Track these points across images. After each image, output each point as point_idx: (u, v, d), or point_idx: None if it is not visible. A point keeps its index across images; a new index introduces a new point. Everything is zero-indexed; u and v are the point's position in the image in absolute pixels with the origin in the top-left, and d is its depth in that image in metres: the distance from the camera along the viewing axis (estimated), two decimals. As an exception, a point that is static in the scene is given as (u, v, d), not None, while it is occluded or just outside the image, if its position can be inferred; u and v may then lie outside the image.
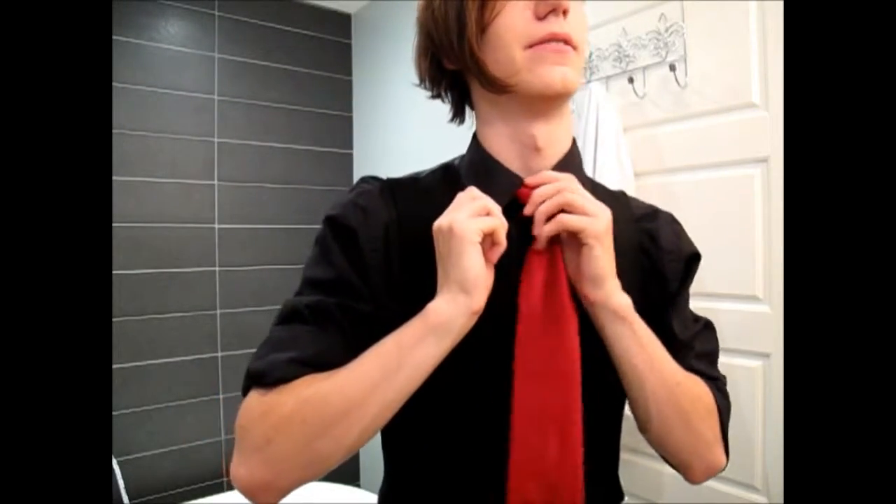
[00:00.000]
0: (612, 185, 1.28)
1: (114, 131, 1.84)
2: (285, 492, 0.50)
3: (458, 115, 0.65)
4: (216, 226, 2.05)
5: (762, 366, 1.10)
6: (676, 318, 0.62)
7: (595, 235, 0.52)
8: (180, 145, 1.98)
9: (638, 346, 0.54)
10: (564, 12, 0.53)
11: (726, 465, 0.60)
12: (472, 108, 0.63)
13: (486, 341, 0.54)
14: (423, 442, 0.58)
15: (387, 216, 0.58)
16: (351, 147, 2.38)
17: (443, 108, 0.65)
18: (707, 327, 0.65)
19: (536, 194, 0.54)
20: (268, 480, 0.48)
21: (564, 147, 0.60)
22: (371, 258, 0.56)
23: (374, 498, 1.78)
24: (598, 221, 0.52)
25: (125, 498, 1.69)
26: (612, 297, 0.53)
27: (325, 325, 0.53)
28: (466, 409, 0.56)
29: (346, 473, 2.27)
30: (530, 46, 0.53)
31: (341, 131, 2.36)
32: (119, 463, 1.73)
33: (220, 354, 2.03)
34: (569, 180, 0.55)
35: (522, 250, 0.55)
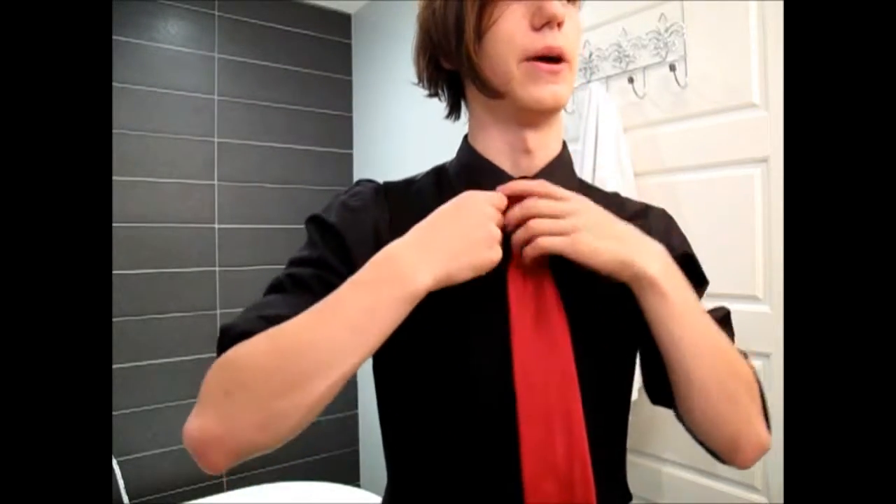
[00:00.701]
0: (612, 185, 1.28)
1: (114, 131, 1.84)
2: (235, 454, 0.46)
3: (453, 112, 0.66)
4: (216, 226, 2.04)
5: (762, 366, 1.10)
6: None
7: (573, 249, 0.51)
8: (180, 145, 1.97)
9: (677, 315, 0.52)
10: (560, 24, 0.53)
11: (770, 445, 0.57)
12: (468, 107, 0.64)
13: (482, 341, 0.55)
14: (428, 445, 0.58)
15: (377, 216, 0.58)
16: (351, 147, 2.38)
17: (442, 109, 0.66)
18: (726, 316, 0.64)
19: (508, 216, 0.54)
20: (219, 435, 0.45)
21: (555, 150, 0.61)
22: (359, 256, 0.55)
23: (375, 498, 1.79)
24: (575, 223, 0.52)
25: (125, 498, 1.69)
26: (637, 271, 0.52)
27: (300, 292, 0.53)
28: (471, 413, 0.56)
29: (346, 473, 2.27)
30: (526, 59, 0.53)
31: (341, 131, 2.36)
32: (119, 463, 1.73)
33: (220, 354, 2.03)
34: (538, 185, 0.55)
35: (510, 246, 0.55)
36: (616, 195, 0.68)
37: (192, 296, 1.99)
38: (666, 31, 1.25)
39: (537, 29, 0.53)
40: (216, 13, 2.06)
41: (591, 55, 1.40)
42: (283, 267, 0.58)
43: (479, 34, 0.55)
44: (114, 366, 1.81)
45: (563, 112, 0.63)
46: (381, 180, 0.64)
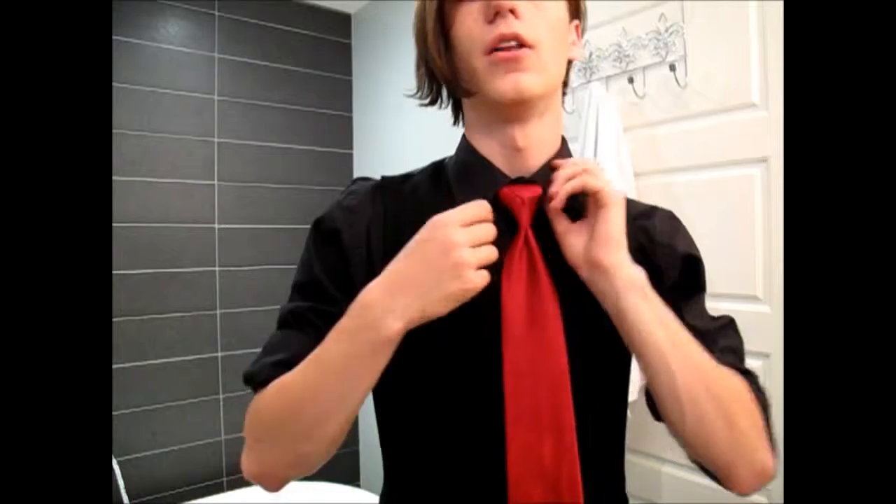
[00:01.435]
0: (612, 185, 1.28)
1: (114, 131, 1.84)
2: (280, 483, 0.56)
3: (457, 117, 0.66)
4: (216, 226, 2.04)
5: (762, 366, 1.10)
6: (688, 311, 0.59)
7: (612, 197, 0.53)
8: (180, 145, 1.97)
9: (657, 320, 0.51)
10: (512, 11, 0.52)
11: (776, 473, 0.53)
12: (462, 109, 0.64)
13: (473, 342, 0.54)
14: (420, 445, 0.58)
15: (371, 214, 0.59)
16: (351, 147, 2.38)
17: (442, 109, 0.66)
18: (730, 323, 0.62)
19: (562, 171, 0.55)
20: (261, 473, 0.55)
21: (551, 147, 0.60)
22: (354, 256, 0.57)
23: (375, 498, 1.79)
24: (614, 189, 0.53)
25: (125, 498, 1.69)
26: (626, 263, 0.53)
27: (304, 328, 0.56)
28: (459, 412, 0.56)
29: (346, 473, 2.27)
30: (487, 53, 0.53)
31: (341, 131, 2.36)
32: (119, 463, 1.73)
33: (220, 354, 2.03)
34: (589, 163, 0.56)
35: (502, 247, 0.55)
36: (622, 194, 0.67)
37: (192, 296, 1.99)
38: (666, 31, 1.25)
39: (491, 21, 0.53)
40: (216, 13, 2.06)
41: (591, 55, 1.40)
42: (283, 267, 0.60)
43: (444, 36, 0.56)
44: (114, 366, 1.81)
45: (561, 108, 0.63)
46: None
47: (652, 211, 0.65)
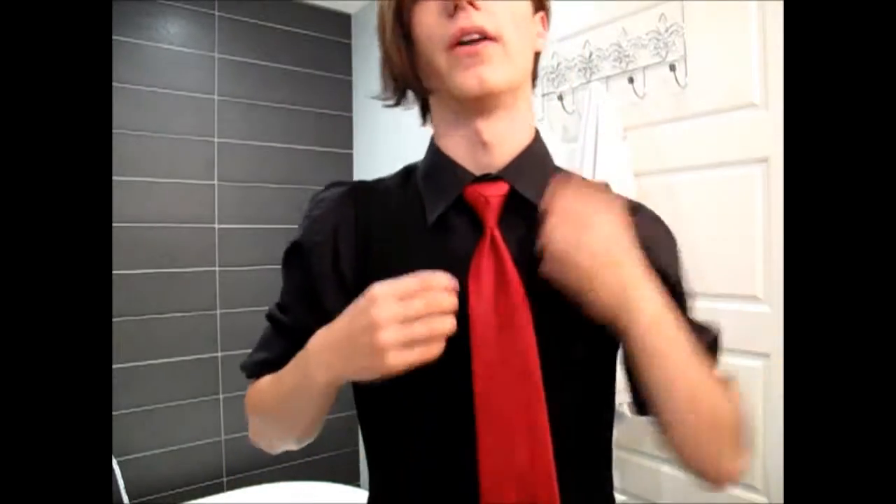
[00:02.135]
0: (612, 185, 1.28)
1: (114, 131, 1.84)
2: (273, 448, 0.66)
3: (425, 118, 0.65)
4: (216, 226, 2.04)
5: (762, 366, 1.10)
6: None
7: (563, 254, 0.50)
8: (180, 145, 1.97)
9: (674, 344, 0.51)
10: (472, 3, 0.51)
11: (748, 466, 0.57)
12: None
13: (445, 347, 0.54)
14: (396, 449, 0.59)
15: (339, 219, 0.60)
16: (351, 147, 2.38)
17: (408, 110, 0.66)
18: (712, 343, 0.60)
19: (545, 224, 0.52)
20: (256, 440, 0.65)
21: (520, 141, 0.59)
22: (318, 266, 0.59)
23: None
24: (566, 243, 0.50)
25: (125, 498, 1.69)
26: (630, 316, 0.50)
27: (280, 331, 0.62)
28: (432, 416, 0.56)
29: (346, 473, 2.27)
30: (451, 48, 0.52)
31: (341, 131, 2.36)
32: (119, 463, 1.73)
33: (220, 354, 2.03)
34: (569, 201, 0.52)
35: (470, 248, 0.55)
36: (605, 187, 0.64)
37: (192, 296, 1.99)
38: (666, 31, 1.25)
39: (452, 15, 0.52)
40: (216, 13, 2.06)
41: (591, 55, 1.40)
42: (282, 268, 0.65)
43: (406, 37, 0.55)
44: (114, 366, 1.81)
45: (531, 101, 0.61)
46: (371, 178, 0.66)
47: (636, 209, 0.62)
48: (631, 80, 1.31)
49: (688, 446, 0.55)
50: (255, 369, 0.63)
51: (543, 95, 1.53)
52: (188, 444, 1.96)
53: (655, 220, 0.63)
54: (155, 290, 1.91)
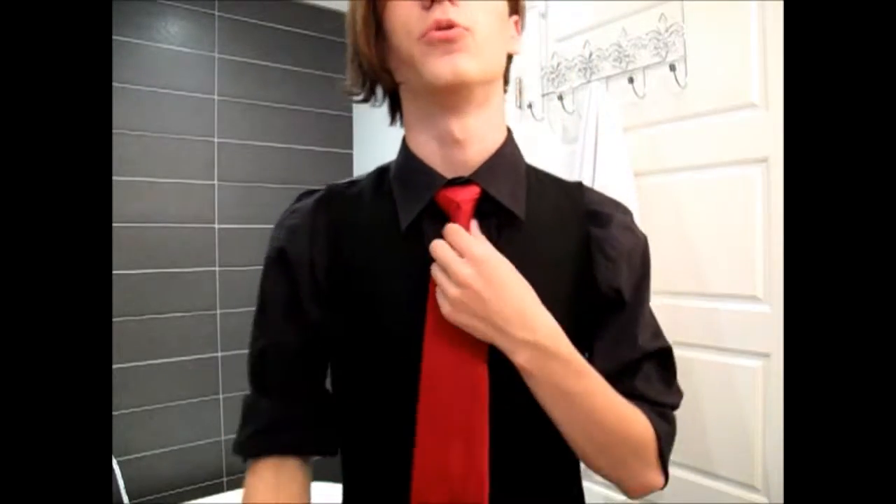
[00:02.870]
0: (612, 185, 1.28)
1: (114, 131, 1.84)
2: None
3: (394, 117, 0.65)
4: (216, 226, 2.04)
5: (762, 366, 1.10)
6: (622, 334, 0.59)
7: (453, 318, 0.52)
8: (180, 145, 1.97)
9: (547, 396, 0.53)
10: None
11: (665, 483, 0.58)
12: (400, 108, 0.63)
13: (397, 350, 0.55)
14: (355, 447, 0.62)
15: (312, 229, 0.60)
16: (351, 147, 2.38)
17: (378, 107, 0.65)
18: (666, 353, 0.61)
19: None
20: None
21: (494, 141, 0.58)
22: (300, 274, 0.59)
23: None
24: (460, 295, 0.51)
25: (125, 498, 1.69)
26: (508, 353, 0.52)
27: (265, 389, 0.62)
28: (378, 418, 0.58)
29: (346, 473, 2.27)
30: (423, 37, 0.52)
31: (341, 131, 2.36)
32: (119, 463, 1.73)
33: (220, 354, 2.03)
34: (450, 239, 0.53)
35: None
36: (578, 186, 0.64)
37: (192, 296, 1.99)
38: (666, 31, 1.25)
39: (427, 9, 0.52)
40: (216, 13, 2.06)
41: (591, 55, 1.40)
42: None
43: (377, 26, 0.55)
44: (114, 366, 1.81)
45: (503, 102, 0.61)
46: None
47: (609, 218, 0.61)
48: (631, 80, 1.31)
49: (592, 463, 0.57)
50: (252, 449, 0.61)
51: (543, 95, 1.53)
52: (188, 444, 1.96)
53: (626, 230, 0.61)
54: (155, 290, 1.91)
